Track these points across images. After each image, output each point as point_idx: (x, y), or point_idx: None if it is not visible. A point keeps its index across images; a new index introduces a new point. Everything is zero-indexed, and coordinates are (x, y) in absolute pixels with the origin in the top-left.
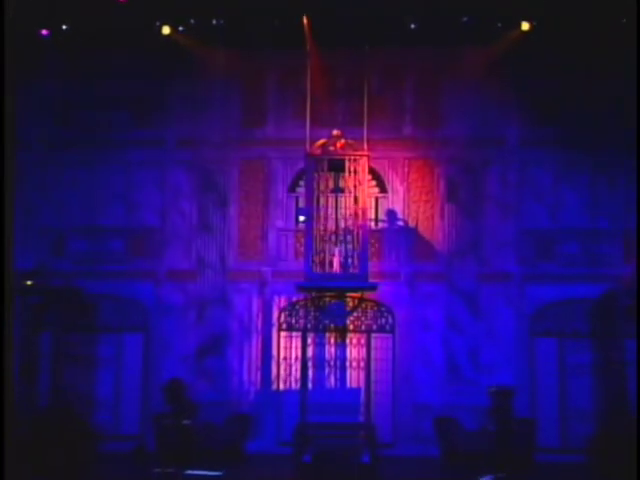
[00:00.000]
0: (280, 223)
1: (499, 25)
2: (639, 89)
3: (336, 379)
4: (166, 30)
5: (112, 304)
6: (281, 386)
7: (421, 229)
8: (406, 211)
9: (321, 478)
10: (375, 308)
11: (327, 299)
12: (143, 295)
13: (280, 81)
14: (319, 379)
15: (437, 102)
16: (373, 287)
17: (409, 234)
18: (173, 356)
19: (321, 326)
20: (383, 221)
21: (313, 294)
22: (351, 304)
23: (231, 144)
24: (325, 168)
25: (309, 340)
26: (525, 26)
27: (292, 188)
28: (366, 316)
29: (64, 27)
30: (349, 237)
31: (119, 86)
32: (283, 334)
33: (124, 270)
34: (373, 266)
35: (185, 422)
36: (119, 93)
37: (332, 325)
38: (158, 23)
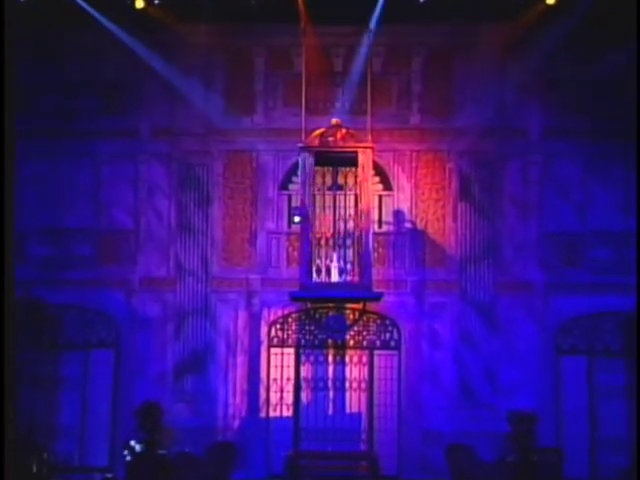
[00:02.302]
0: (270, 225)
1: None
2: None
3: (334, 402)
4: (139, 3)
5: (78, 317)
6: (271, 410)
7: (431, 232)
8: (414, 211)
9: None
10: (378, 321)
11: (324, 311)
12: (114, 306)
13: (270, 62)
14: (314, 402)
15: (449, 87)
16: (377, 297)
17: (417, 237)
18: (148, 376)
19: (317, 342)
20: (388, 223)
21: (308, 305)
22: (351, 317)
23: (214, 135)
24: (322, 162)
25: (303, 358)
26: None
27: (284, 185)
28: (368, 330)
29: (21, 0)
30: (350, 241)
31: (85, 68)
32: (274, 351)
33: (92, 278)
34: (376, 274)
35: (161, 451)
36: (85, 76)
37: (330, 341)
38: None
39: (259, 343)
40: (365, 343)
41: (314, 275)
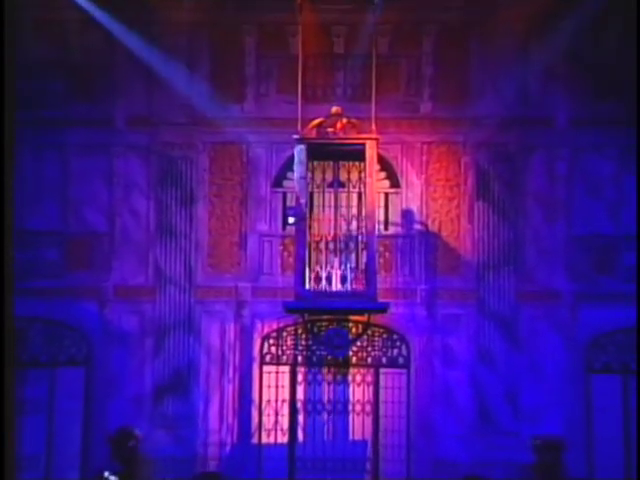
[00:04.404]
0: (263, 226)
1: None
2: None
3: (334, 427)
4: None
5: (44, 330)
6: (264, 436)
7: (444, 234)
8: (424, 211)
9: None
10: (385, 336)
11: (324, 324)
12: (85, 319)
13: (262, 43)
14: (312, 427)
15: (464, 71)
16: (383, 308)
17: (428, 241)
18: (123, 398)
19: (316, 359)
20: (395, 224)
21: (305, 317)
22: (354, 330)
23: (199, 125)
24: (321, 156)
25: (300, 377)
26: None
27: (278, 181)
28: (373, 346)
29: None
30: (352, 244)
31: (52, 48)
32: (267, 369)
33: (60, 287)
34: (382, 282)
35: None
36: (52, 57)
37: (330, 358)
38: None
39: (250, 360)
40: (370, 360)
41: (312, 283)
